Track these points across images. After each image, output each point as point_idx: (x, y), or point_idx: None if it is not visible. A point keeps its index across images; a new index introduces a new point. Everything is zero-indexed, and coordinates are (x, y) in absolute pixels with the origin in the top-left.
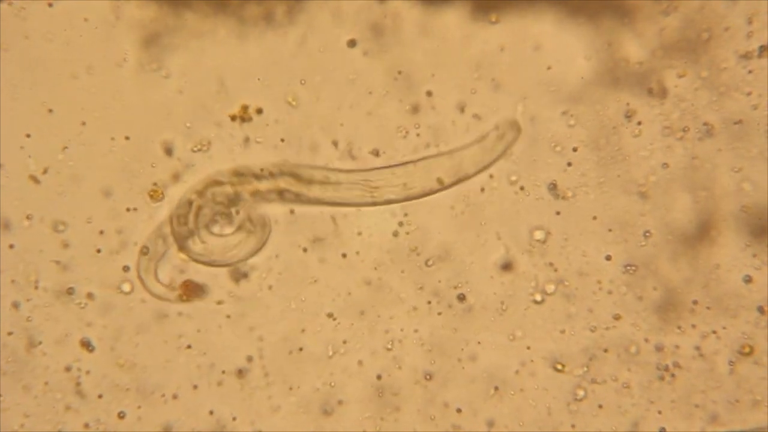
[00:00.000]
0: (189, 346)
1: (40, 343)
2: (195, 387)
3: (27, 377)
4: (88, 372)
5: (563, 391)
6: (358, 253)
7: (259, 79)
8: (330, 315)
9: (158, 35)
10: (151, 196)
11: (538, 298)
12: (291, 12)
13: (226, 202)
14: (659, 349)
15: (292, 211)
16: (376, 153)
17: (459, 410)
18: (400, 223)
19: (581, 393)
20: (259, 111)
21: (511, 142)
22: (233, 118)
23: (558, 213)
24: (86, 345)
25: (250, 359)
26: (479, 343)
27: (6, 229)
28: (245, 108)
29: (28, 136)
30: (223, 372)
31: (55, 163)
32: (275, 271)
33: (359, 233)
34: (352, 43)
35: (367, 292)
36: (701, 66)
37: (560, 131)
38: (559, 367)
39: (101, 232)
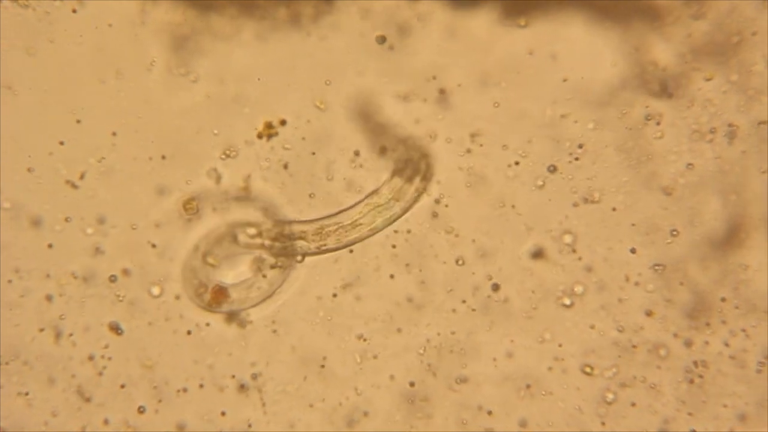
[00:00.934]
0: (189, 332)
1: (71, 335)
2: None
3: (54, 371)
4: (110, 358)
5: (593, 391)
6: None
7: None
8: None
9: (186, 39)
10: (186, 209)
11: (567, 301)
12: (318, 14)
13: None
14: (688, 345)
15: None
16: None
17: (490, 412)
18: (437, 201)
19: (611, 396)
20: (283, 122)
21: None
22: (260, 136)
23: (586, 215)
24: (115, 329)
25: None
26: (512, 341)
27: (42, 228)
28: (269, 124)
29: (62, 143)
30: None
31: (90, 168)
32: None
33: (408, 231)
34: (381, 39)
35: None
36: (731, 69)
37: (587, 134)
38: (588, 370)
39: (149, 226)
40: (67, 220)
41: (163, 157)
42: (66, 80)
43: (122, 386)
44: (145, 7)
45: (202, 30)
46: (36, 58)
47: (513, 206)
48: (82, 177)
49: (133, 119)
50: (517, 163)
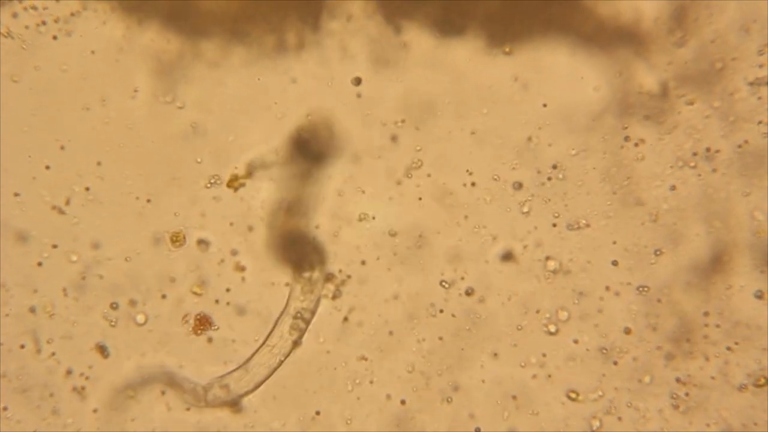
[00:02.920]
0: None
1: (53, 354)
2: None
3: (32, 388)
4: (88, 378)
5: (579, 416)
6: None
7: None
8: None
9: (172, 66)
10: (173, 241)
11: (553, 329)
12: (304, 43)
13: None
14: (671, 364)
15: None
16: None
17: (478, 430)
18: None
19: (596, 423)
20: (249, 174)
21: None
22: (229, 186)
23: (568, 237)
24: (102, 350)
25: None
26: (495, 355)
27: (29, 246)
28: (235, 177)
29: (48, 167)
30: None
31: (74, 194)
32: None
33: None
34: (357, 81)
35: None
36: (714, 96)
37: (568, 159)
38: (573, 395)
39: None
40: (54, 246)
41: (149, 201)
42: (51, 106)
43: (94, 410)
44: (130, 33)
45: (189, 57)
46: (20, 85)
47: (494, 237)
48: (67, 203)
49: (117, 147)
50: (473, 184)
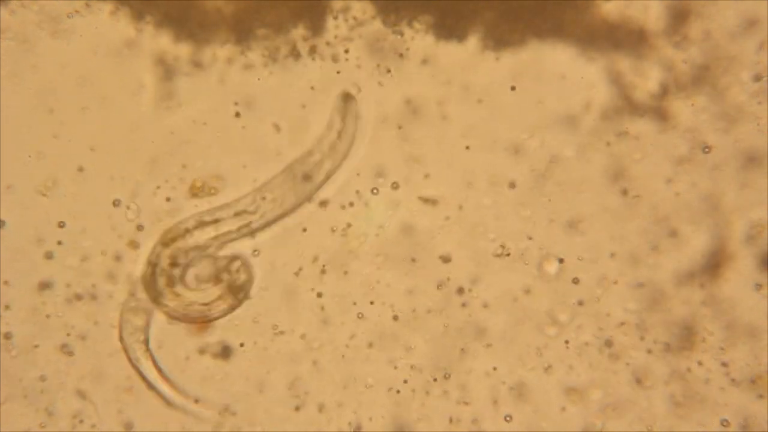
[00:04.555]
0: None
1: (36, 346)
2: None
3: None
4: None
5: (578, 415)
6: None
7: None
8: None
9: (173, 67)
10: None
11: (551, 329)
12: (305, 47)
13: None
14: (668, 361)
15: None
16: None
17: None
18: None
19: (597, 423)
20: (214, 191)
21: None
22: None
23: (569, 236)
24: (65, 349)
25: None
26: (489, 345)
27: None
28: (199, 186)
29: (40, 157)
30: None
31: (64, 184)
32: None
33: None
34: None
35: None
36: (713, 95)
37: (572, 160)
38: (572, 395)
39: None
40: (38, 241)
41: (134, 199)
42: (49, 106)
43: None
44: (133, 35)
45: (190, 58)
46: (19, 86)
47: (502, 246)
48: (53, 184)
49: (113, 142)
50: (470, 184)
